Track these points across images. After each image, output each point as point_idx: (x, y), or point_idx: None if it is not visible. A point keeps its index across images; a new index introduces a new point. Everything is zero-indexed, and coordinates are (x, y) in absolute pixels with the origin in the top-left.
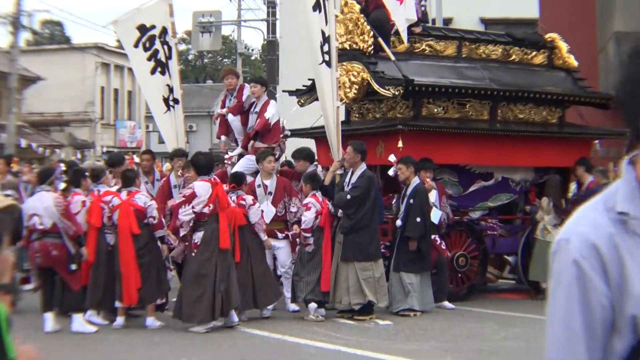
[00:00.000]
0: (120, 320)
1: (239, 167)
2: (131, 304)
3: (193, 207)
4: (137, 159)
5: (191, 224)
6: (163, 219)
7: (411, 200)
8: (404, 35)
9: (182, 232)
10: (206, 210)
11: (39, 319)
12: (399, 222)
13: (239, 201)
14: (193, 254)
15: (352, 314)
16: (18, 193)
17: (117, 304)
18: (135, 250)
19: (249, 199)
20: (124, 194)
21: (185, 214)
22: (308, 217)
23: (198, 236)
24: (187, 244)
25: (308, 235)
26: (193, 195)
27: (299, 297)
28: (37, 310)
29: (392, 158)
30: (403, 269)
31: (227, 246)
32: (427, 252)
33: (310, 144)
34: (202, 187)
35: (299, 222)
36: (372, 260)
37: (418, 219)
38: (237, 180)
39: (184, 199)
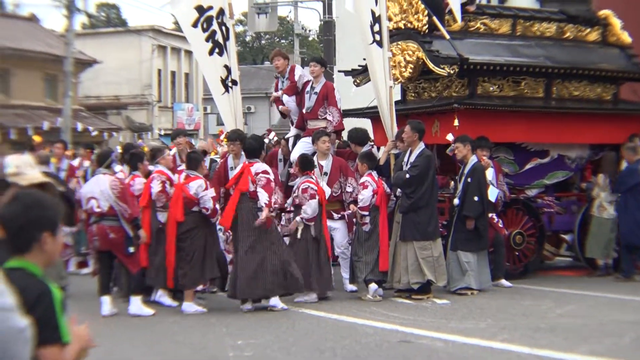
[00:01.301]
0: (169, 300)
1: (297, 150)
2: (170, 287)
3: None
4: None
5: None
6: (217, 206)
7: (469, 179)
8: (458, 15)
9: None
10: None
11: (97, 302)
12: (456, 201)
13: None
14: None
15: (410, 293)
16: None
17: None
18: (177, 235)
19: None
20: (182, 176)
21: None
22: (365, 196)
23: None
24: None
25: (366, 213)
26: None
27: (358, 277)
28: (95, 294)
29: (449, 137)
30: (460, 248)
31: (224, 224)
32: (484, 230)
33: (366, 123)
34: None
35: (355, 201)
36: (430, 240)
37: (476, 198)
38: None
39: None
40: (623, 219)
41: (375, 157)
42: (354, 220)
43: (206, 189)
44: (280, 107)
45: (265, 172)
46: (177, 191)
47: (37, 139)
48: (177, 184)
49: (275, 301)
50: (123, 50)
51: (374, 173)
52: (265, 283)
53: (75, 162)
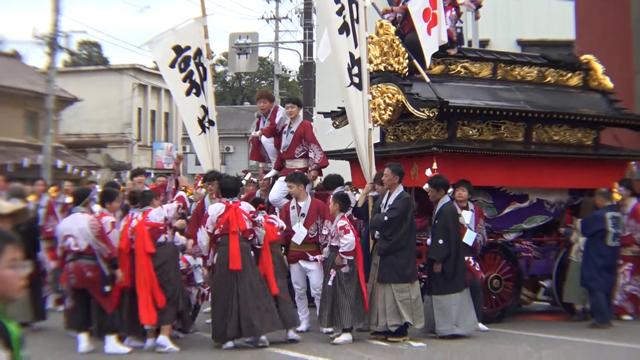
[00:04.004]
0: (150, 341)
1: (274, 190)
2: (151, 324)
3: (207, 229)
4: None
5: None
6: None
7: (436, 221)
8: (428, 61)
9: (202, 253)
10: (217, 232)
11: (73, 339)
12: (429, 242)
13: (266, 220)
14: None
15: (386, 335)
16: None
17: (147, 326)
18: (153, 269)
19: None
20: (140, 215)
21: (202, 236)
22: (349, 240)
23: (214, 258)
24: (209, 266)
25: (351, 258)
26: (206, 217)
27: (344, 324)
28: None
29: (428, 173)
30: (434, 292)
31: (236, 267)
32: (454, 274)
33: (345, 165)
34: (214, 209)
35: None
36: (408, 282)
37: (440, 241)
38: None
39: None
40: (585, 264)
41: (349, 198)
42: (330, 263)
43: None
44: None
45: (254, 211)
46: (140, 227)
47: None
48: (137, 223)
49: (264, 337)
50: (104, 88)
51: (346, 215)
52: (263, 320)
53: (60, 199)
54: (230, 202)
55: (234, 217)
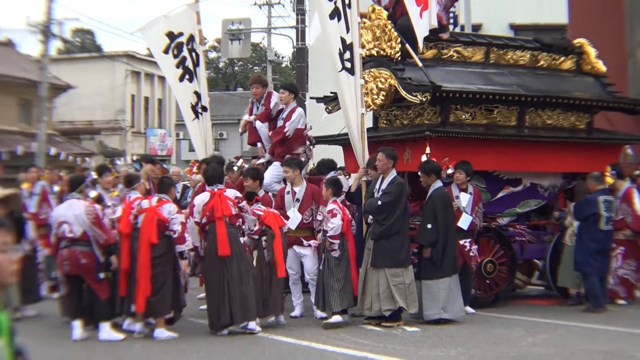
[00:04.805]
0: (139, 326)
1: (268, 176)
2: (139, 312)
3: (195, 218)
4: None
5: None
6: (186, 235)
7: (426, 206)
8: (421, 45)
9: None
10: (204, 220)
11: (67, 327)
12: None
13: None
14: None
15: (380, 320)
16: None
17: (133, 309)
18: (150, 259)
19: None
20: (154, 200)
21: (191, 225)
22: (335, 224)
23: (203, 247)
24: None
25: (337, 241)
26: (192, 207)
27: (333, 307)
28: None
29: (424, 158)
30: (423, 277)
31: (225, 253)
32: (441, 259)
33: (338, 150)
34: (199, 198)
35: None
36: (402, 267)
37: (429, 226)
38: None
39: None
40: (578, 248)
41: (341, 183)
42: (323, 248)
43: (178, 212)
44: (245, 118)
45: (240, 197)
46: (150, 213)
47: None
48: (149, 207)
49: (253, 325)
50: (97, 75)
51: (339, 200)
52: (253, 306)
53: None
54: (215, 190)
55: (219, 204)
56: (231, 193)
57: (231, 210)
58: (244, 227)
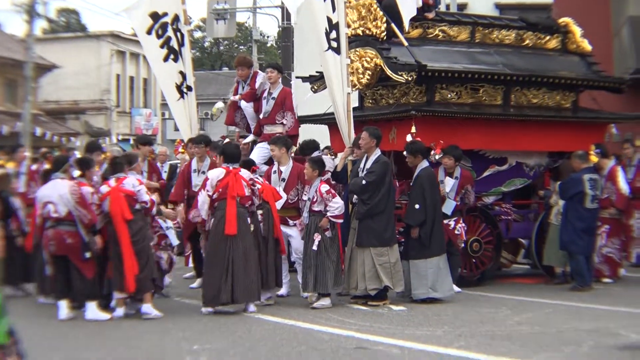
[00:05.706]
0: (120, 310)
1: (253, 156)
2: (129, 293)
3: (208, 191)
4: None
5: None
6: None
7: (413, 186)
8: (406, 24)
9: (199, 217)
10: (215, 195)
11: (53, 306)
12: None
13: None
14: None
15: (366, 299)
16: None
17: (117, 294)
18: (130, 237)
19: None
20: (112, 181)
21: (202, 198)
22: (340, 204)
23: (210, 223)
24: (205, 229)
25: (341, 221)
26: (206, 180)
27: (328, 288)
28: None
29: (409, 138)
30: (410, 257)
31: (232, 232)
32: (429, 239)
33: (323, 129)
34: (214, 172)
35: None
36: (387, 246)
37: (417, 206)
38: (248, 167)
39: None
40: (564, 227)
41: (324, 162)
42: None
43: (140, 184)
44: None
45: (254, 179)
46: (115, 193)
47: None
48: (111, 188)
49: (253, 307)
50: (82, 55)
51: (324, 179)
52: (255, 289)
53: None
54: (231, 168)
55: (234, 182)
56: (246, 174)
57: (244, 191)
58: (252, 208)
